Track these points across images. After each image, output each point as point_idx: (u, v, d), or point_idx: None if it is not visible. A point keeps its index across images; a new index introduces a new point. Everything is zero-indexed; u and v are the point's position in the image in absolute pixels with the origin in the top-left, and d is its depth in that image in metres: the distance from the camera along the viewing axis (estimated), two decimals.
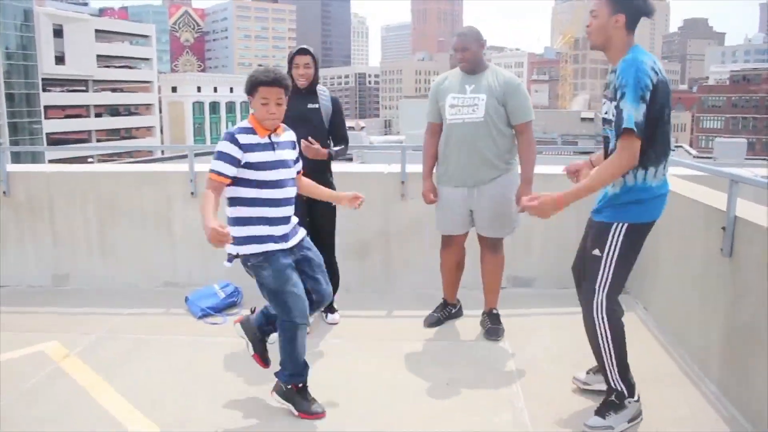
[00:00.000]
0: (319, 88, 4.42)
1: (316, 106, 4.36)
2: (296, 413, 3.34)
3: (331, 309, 4.70)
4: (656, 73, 2.91)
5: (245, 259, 3.27)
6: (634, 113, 2.86)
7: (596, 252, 3.12)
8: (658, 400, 3.50)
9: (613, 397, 3.22)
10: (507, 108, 4.15)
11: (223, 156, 3.14)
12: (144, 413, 3.41)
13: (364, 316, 4.79)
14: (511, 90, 4.14)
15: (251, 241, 3.23)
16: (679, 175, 4.93)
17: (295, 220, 3.42)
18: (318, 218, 4.49)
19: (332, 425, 3.30)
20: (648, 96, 2.87)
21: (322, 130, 4.38)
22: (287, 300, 3.24)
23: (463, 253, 4.57)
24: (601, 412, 3.21)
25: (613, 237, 3.08)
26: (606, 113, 3.13)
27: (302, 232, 3.46)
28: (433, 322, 4.62)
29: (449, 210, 4.37)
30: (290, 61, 4.36)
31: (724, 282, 3.53)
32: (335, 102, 4.47)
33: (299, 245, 3.40)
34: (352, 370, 3.93)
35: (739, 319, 3.38)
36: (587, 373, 3.60)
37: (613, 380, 3.21)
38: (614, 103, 2.98)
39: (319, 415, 3.33)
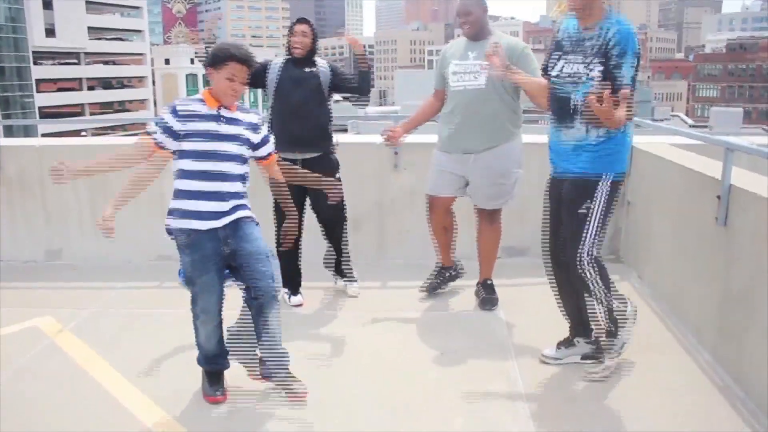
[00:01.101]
0: (317, 59, 4.33)
1: (314, 70, 4.25)
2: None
3: (294, 291, 4.54)
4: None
5: (173, 233, 3.15)
6: (633, 73, 3.07)
7: (582, 209, 3.21)
8: (652, 369, 3.52)
9: (605, 337, 3.40)
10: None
11: (161, 123, 3.09)
12: (138, 387, 3.41)
13: (358, 288, 4.78)
14: (516, 55, 3.99)
15: (177, 215, 3.11)
16: (675, 143, 4.90)
17: (237, 203, 3.15)
18: (320, 197, 4.07)
19: (327, 396, 3.31)
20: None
21: (320, 93, 4.26)
22: (197, 292, 3.16)
23: (449, 217, 4.51)
24: (608, 336, 3.38)
25: (601, 190, 3.19)
26: (571, 72, 3.20)
27: (240, 213, 3.16)
28: (428, 287, 4.62)
29: (439, 171, 4.35)
30: (290, 30, 4.30)
31: (719, 251, 3.52)
32: (333, 67, 4.36)
33: (233, 229, 3.12)
34: (347, 341, 3.93)
35: (733, 287, 3.38)
36: (557, 348, 3.62)
37: (606, 322, 3.35)
38: (595, 60, 3.11)
39: (216, 398, 3.26)
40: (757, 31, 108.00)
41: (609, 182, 3.19)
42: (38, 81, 56.64)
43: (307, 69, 4.25)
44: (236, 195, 3.16)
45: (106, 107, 64.70)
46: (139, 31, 71.89)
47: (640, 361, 3.59)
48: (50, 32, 58.11)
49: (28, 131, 38.16)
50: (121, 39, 70.72)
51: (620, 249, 5.21)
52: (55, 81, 60.80)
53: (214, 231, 3.09)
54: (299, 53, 4.23)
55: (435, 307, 4.44)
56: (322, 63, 4.33)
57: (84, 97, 62.55)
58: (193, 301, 3.20)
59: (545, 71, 3.40)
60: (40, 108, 55.79)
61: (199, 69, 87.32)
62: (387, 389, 3.37)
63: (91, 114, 60.20)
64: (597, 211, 3.19)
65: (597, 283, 3.25)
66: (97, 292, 4.80)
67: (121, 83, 70.16)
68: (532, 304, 4.32)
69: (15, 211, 5.49)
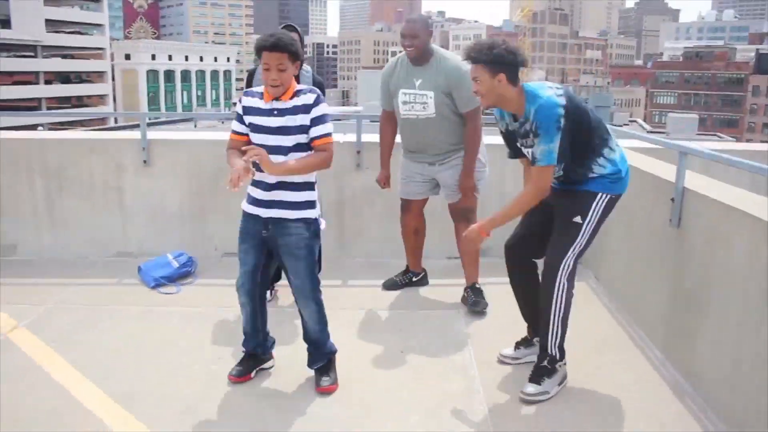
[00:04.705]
0: (304, 68, 4.24)
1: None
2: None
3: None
4: (562, 97, 3.08)
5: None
6: (548, 149, 3.05)
7: (577, 219, 3.22)
8: (604, 366, 3.60)
9: (545, 363, 3.32)
10: (453, 98, 4.15)
11: (236, 115, 3.23)
12: (96, 383, 3.37)
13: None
14: (453, 81, 4.11)
15: (245, 199, 3.31)
16: (632, 147, 5.00)
17: (284, 197, 3.18)
18: None
19: (283, 393, 3.32)
20: (561, 124, 3.04)
21: None
22: (239, 260, 3.32)
23: (420, 219, 4.64)
24: (535, 378, 3.30)
25: (596, 205, 3.22)
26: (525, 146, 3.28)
27: (284, 213, 3.19)
28: (389, 284, 4.71)
29: (409, 176, 4.47)
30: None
31: (672, 251, 3.61)
32: (318, 86, 4.24)
33: (277, 226, 3.20)
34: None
35: (684, 287, 3.47)
36: (516, 347, 3.67)
37: (551, 345, 3.30)
38: (532, 141, 3.16)
39: (229, 375, 3.42)
40: (712, 41, 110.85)
41: (604, 201, 3.22)
42: None
43: None
44: (284, 185, 3.17)
45: (64, 102, 63.21)
46: (99, 25, 70.44)
47: (593, 359, 3.67)
48: (5, 23, 56.61)
49: None
50: (80, 33, 69.20)
51: None
52: (11, 74, 59.16)
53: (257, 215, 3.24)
54: None
55: (396, 306, 4.47)
56: (306, 75, 4.28)
57: (41, 91, 61.01)
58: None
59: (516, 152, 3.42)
60: None
61: (159, 65, 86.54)
62: (344, 386, 3.38)
63: (48, 108, 58.74)
64: (589, 225, 3.22)
65: (560, 303, 3.23)
66: (53, 288, 4.71)
67: (80, 78, 68.65)
68: (493, 303, 4.37)
69: None
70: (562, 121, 3.04)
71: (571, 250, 3.22)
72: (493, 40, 3.20)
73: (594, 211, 3.22)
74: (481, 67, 3.12)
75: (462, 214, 4.35)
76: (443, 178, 4.34)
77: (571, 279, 3.24)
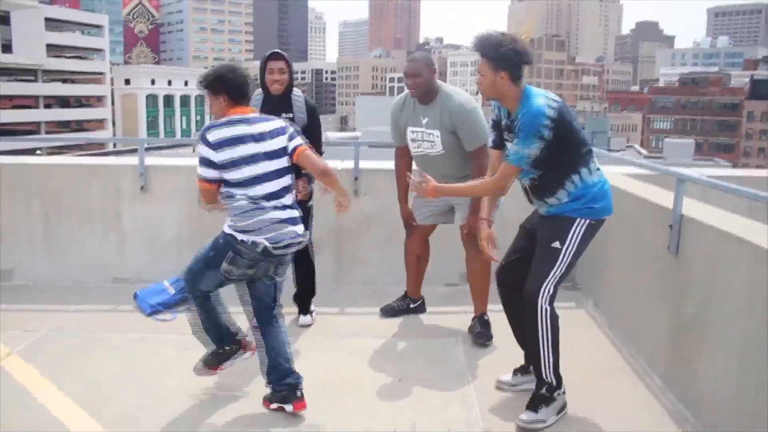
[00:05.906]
0: (295, 93, 4.25)
1: (290, 116, 4.12)
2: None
3: (304, 310, 4.61)
4: (553, 110, 3.09)
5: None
6: (521, 153, 3.11)
7: (556, 244, 3.20)
8: (604, 394, 3.56)
9: (543, 391, 3.26)
10: (458, 137, 4.15)
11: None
12: (88, 413, 3.33)
13: (316, 313, 4.75)
14: (457, 121, 4.11)
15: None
16: (629, 173, 5.02)
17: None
18: None
19: (280, 421, 3.27)
20: (546, 133, 3.08)
21: None
22: (217, 279, 3.36)
23: (424, 246, 4.62)
24: (533, 406, 3.25)
25: (575, 231, 3.21)
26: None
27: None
28: (387, 311, 4.67)
29: (421, 202, 4.43)
30: (263, 67, 4.19)
31: (671, 279, 3.60)
32: (311, 111, 4.29)
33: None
34: (304, 366, 3.88)
35: (685, 314, 3.45)
36: (514, 374, 3.64)
37: (546, 372, 3.25)
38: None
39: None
40: (707, 67, 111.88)
41: (584, 226, 3.21)
42: None
43: (284, 115, 4.00)
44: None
45: (63, 126, 63.32)
46: (99, 50, 70.89)
47: (594, 387, 3.63)
48: (7, 48, 56.95)
49: None
50: (80, 57, 69.60)
51: (577, 276, 5.27)
52: (10, 98, 59.36)
53: None
54: (279, 91, 4.17)
55: (394, 333, 4.44)
56: (299, 102, 4.25)
57: (40, 115, 61.19)
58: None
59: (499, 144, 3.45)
60: None
61: (159, 90, 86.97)
62: (341, 414, 3.35)
63: (48, 132, 58.82)
64: (568, 251, 3.20)
65: (546, 329, 3.19)
66: (48, 314, 4.67)
67: (80, 102, 68.89)
68: (491, 330, 4.34)
69: None
70: (545, 131, 3.07)
71: (551, 276, 3.20)
72: (501, 38, 3.20)
73: (573, 236, 3.20)
74: (485, 61, 3.18)
75: (475, 239, 4.33)
76: (460, 201, 4.27)
77: (552, 303, 3.21)
